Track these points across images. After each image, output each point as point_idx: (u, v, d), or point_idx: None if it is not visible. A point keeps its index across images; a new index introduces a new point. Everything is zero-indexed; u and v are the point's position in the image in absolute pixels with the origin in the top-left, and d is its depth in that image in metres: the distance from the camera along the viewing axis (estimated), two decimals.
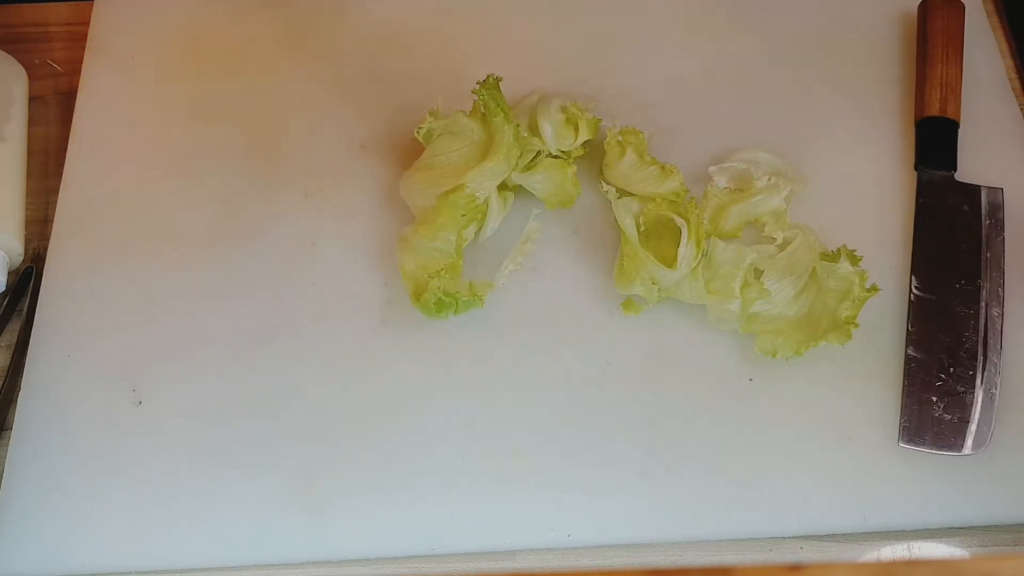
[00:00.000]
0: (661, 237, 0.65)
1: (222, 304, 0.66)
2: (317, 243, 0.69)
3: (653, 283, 0.63)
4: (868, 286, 0.62)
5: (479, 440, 0.61)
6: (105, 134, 0.74)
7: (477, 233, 0.67)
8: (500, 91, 0.66)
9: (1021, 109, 0.75)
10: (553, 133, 0.68)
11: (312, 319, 0.66)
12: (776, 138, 0.73)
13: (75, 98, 0.76)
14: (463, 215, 0.64)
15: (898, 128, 0.74)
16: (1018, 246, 0.68)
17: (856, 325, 0.60)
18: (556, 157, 0.68)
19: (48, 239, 0.69)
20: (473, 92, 0.66)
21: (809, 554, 0.59)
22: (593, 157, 0.71)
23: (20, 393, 0.63)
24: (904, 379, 0.63)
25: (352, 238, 0.69)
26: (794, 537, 0.59)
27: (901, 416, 0.61)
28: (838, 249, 0.63)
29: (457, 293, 0.63)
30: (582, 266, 0.68)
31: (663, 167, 0.67)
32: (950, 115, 0.71)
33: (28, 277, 0.68)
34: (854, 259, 0.62)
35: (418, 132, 0.68)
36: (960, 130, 0.72)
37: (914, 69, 0.76)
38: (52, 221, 0.70)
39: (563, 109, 0.70)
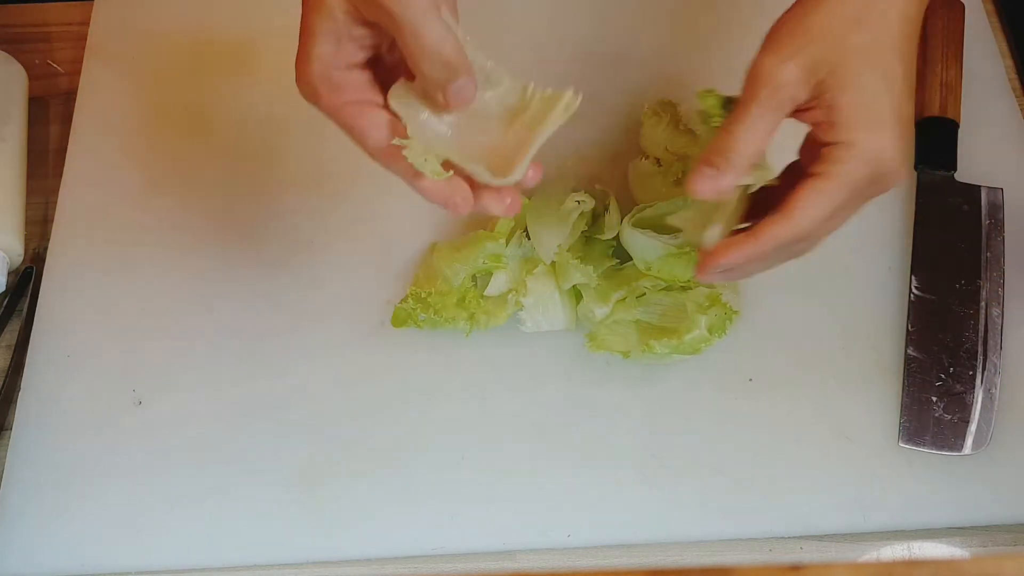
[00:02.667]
0: None
1: (222, 304, 0.66)
2: (317, 243, 0.69)
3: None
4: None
5: (479, 440, 0.61)
6: (105, 134, 0.74)
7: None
8: None
9: (1021, 109, 0.75)
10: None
11: (312, 319, 0.66)
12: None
13: (75, 98, 0.76)
14: (483, 261, 0.63)
15: None
16: (1018, 246, 0.68)
17: (699, 351, 0.60)
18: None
19: (48, 239, 0.69)
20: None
21: (809, 554, 0.59)
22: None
23: (20, 393, 0.63)
24: (904, 379, 0.63)
25: (352, 238, 0.69)
26: (794, 537, 0.59)
27: (901, 416, 0.61)
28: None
29: (426, 320, 0.63)
30: None
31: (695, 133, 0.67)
32: (950, 115, 0.71)
33: (28, 277, 0.68)
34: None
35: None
36: (960, 130, 0.72)
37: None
38: (52, 221, 0.70)
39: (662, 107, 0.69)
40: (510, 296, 0.64)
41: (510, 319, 0.64)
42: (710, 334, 0.60)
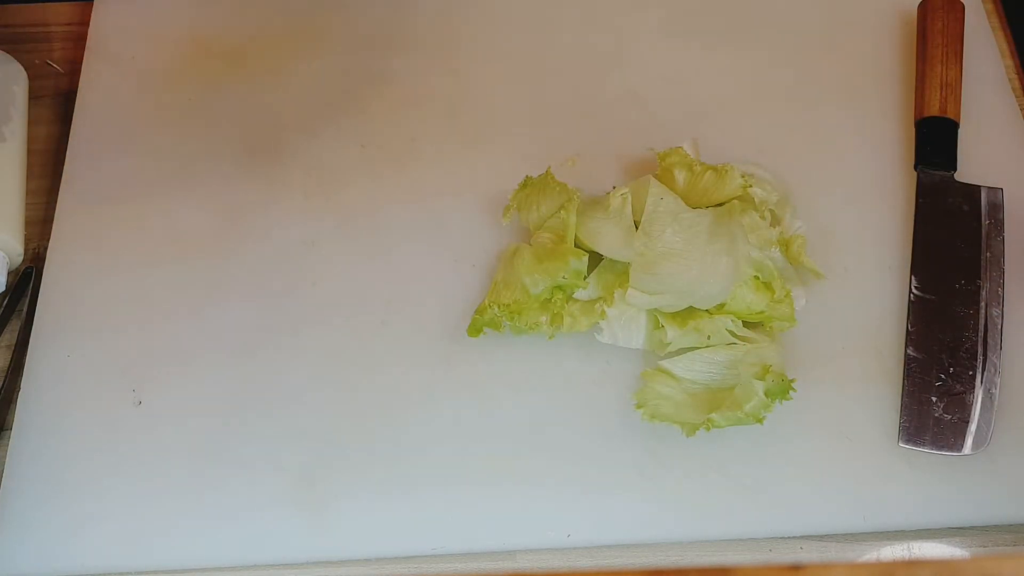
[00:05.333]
0: None
1: (222, 304, 0.66)
2: (317, 243, 0.69)
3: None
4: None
5: (479, 440, 0.61)
6: (105, 134, 0.74)
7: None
8: None
9: (1021, 109, 0.75)
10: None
11: (312, 319, 0.66)
12: (776, 139, 0.73)
13: (75, 98, 0.76)
14: (563, 277, 0.62)
15: (898, 128, 0.74)
16: (1018, 246, 0.68)
17: (761, 420, 0.59)
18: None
19: (48, 239, 0.69)
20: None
21: (809, 554, 0.58)
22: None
23: (20, 393, 0.63)
24: (904, 379, 0.63)
25: (352, 238, 0.69)
26: (794, 537, 0.59)
27: (901, 416, 0.61)
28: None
29: (507, 324, 0.63)
30: None
31: (716, 170, 0.65)
32: (950, 115, 0.71)
33: (28, 277, 0.68)
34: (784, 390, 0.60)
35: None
36: (960, 130, 0.72)
37: (914, 69, 0.76)
38: (52, 221, 0.70)
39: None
40: (597, 305, 0.63)
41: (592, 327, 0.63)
42: (769, 399, 0.59)
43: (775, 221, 0.66)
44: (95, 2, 0.81)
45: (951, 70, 0.73)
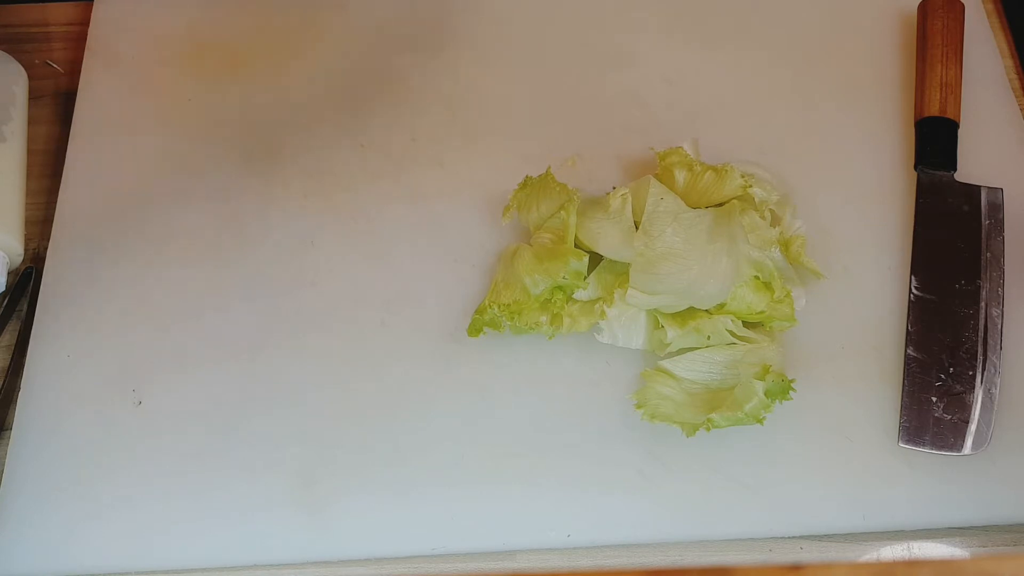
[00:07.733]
0: None
1: (222, 304, 0.66)
2: (317, 243, 0.69)
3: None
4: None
5: (479, 440, 0.61)
6: (105, 134, 0.74)
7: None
8: None
9: (1021, 109, 0.75)
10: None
11: (312, 319, 0.66)
12: (776, 139, 0.73)
13: (75, 98, 0.76)
14: (563, 277, 0.62)
15: (898, 128, 0.74)
16: (1018, 246, 0.68)
17: (761, 421, 0.59)
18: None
19: (48, 239, 0.69)
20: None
21: (809, 554, 0.59)
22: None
23: (20, 393, 0.63)
24: (904, 379, 0.63)
25: (352, 238, 0.69)
26: (794, 537, 0.59)
27: (901, 416, 0.61)
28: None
29: (507, 324, 0.63)
30: None
31: (716, 170, 0.65)
32: (950, 115, 0.71)
33: (28, 277, 0.68)
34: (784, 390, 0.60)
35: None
36: (960, 130, 0.72)
37: (914, 69, 0.76)
38: (52, 221, 0.70)
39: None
40: (597, 305, 0.63)
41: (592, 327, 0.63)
42: (769, 399, 0.58)
43: (775, 221, 0.66)
44: (95, 2, 0.81)
45: (951, 70, 0.73)
